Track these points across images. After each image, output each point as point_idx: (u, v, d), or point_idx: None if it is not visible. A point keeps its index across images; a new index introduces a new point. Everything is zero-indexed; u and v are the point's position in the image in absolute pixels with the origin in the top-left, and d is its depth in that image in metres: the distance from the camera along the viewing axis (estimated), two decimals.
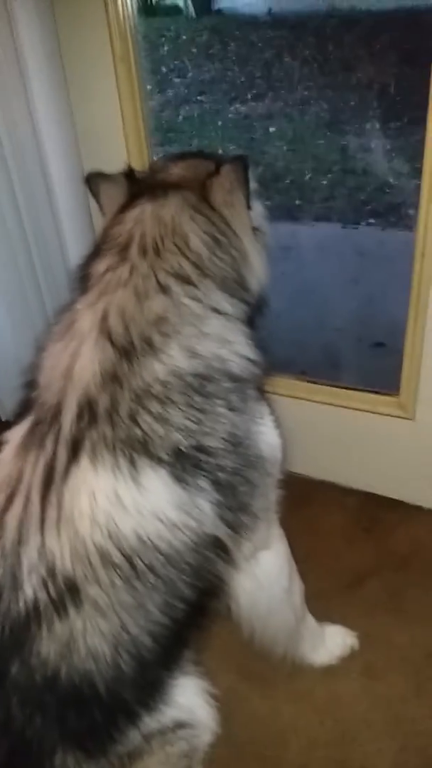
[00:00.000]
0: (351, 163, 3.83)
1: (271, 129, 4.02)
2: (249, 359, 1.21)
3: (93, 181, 1.32)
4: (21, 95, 1.95)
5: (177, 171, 1.32)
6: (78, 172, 2.04)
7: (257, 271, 1.32)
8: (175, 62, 3.97)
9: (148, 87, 2.24)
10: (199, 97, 4.16)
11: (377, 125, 3.57)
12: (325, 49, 3.64)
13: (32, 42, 1.89)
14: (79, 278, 1.26)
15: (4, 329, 2.12)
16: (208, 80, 4.15)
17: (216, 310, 1.20)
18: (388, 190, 3.70)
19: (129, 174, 1.32)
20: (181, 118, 4.09)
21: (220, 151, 2.94)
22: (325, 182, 3.89)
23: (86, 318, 1.16)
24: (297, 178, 3.92)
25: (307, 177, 3.94)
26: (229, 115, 4.16)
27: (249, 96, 4.03)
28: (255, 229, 1.32)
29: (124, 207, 1.27)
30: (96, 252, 1.25)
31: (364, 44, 3.51)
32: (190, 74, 4.09)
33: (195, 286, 1.19)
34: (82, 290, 1.22)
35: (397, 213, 3.61)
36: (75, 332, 1.16)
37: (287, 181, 3.91)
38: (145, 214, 1.22)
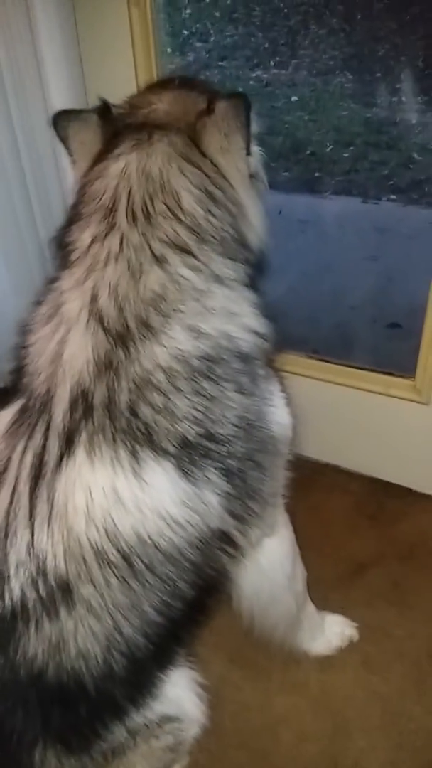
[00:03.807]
0: (374, 137, 3.70)
1: (293, 98, 3.88)
2: (257, 333, 1.11)
3: (60, 122, 1.16)
4: (30, 54, 1.84)
5: (162, 107, 1.15)
6: None
7: (256, 225, 1.18)
8: (197, 26, 3.83)
9: (169, 50, 2.15)
10: (220, 63, 4.02)
11: (403, 98, 3.44)
12: (353, 18, 3.51)
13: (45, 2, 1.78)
14: (61, 249, 1.12)
15: (4, 292, 2.04)
16: (230, 45, 4.01)
17: (218, 279, 1.08)
18: (411, 166, 3.60)
19: (103, 111, 1.16)
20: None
21: None
22: (346, 155, 3.76)
23: (74, 299, 1.04)
24: (317, 149, 3.79)
25: (329, 149, 3.81)
26: (251, 82, 4.01)
27: (272, 63, 3.90)
28: (252, 177, 1.18)
29: (102, 155, 1.12)
30: (76, 216, 1.11)
31: (393, 15, 3.38)
32: (212, 38, 3.95)
33: (193, 254, 1.06)
34: (65, 264, 1.09)
35: (420, 189, 3.51)
36: (63, 316, 1.04)
37: (307, 152, 3.78)
38: (129, 168, 1.08)
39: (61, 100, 1.90)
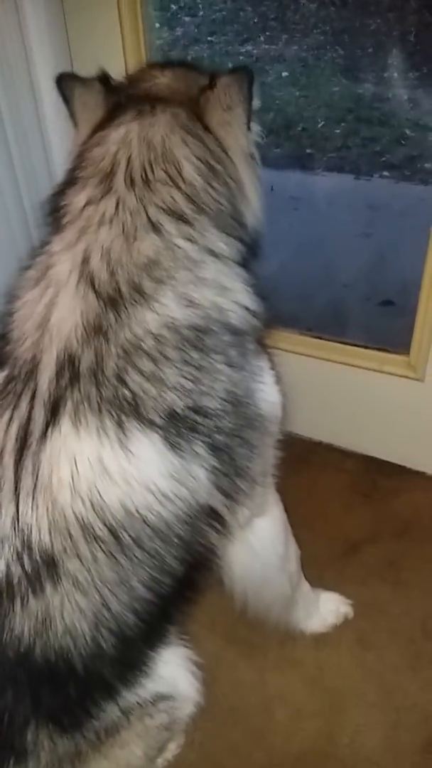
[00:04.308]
0: (366, 113, 3.67)
1: (284, 73, 3.84)
2: (248, 309, 1.09)
3: (65, 83, 1.15)
4: (16, 30, 1.79)
5: (164, 81, 1.15)
6: None
7: (253, 204, 1.18)
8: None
9: (157, 25, 2.12)
10: (209, 38, 3.95)
11: (395, 74, 3.39)
12: None
13: None
14: (53, 212, 1.10)
15: None
16: (219, 20, 3.94)
17: (212, 252, 1.07)
18: (403, 142, 3.58)
19: (105, 80, 1.16)
20: (189, 58, 3.88)
21: None
22: (338, 131, 3.73)
23: (64, 261, 1.02)
24: (309, 125, 3.76)
25: (320, 125, 3.77)
26: (240, 57, 3.96)
27: (262, 38, 3.85)
28: (251, 156, 1.17)
29: (103, 123, 1.11)
30: (72, 180, 1.09)
31: None
32: (201, 13, 3.88)
33: (190, 224, 1.05)
34: (56, 228, 1.07)
35: (413, 166, 3.49)
36: (51, 278, 1.02)
37: (299, 129, 3.74)
38: (130, 135, 1.07)
39: (47, 77, 1.86)
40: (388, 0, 3.35)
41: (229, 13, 3.84)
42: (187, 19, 3.81)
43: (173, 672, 1.19)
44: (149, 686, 1.14)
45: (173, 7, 3.64)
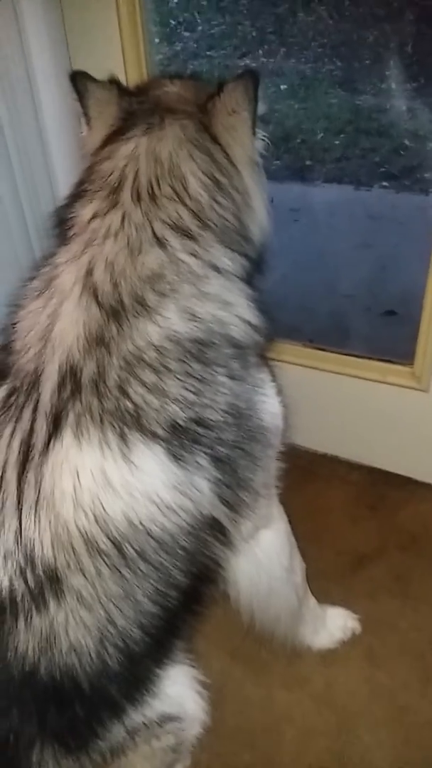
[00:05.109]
0: (365, 124, 3.68)
1: (282, 86, 3.85)
2: (250, 324, 1.09)
3: (80, 79, 1.16)
4: (17, 47, 1.80)
5: (174, 90, 1.17)
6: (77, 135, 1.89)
7: (259, 216, 1.18)
8: (185, 15, 3.79)
9: (156, 40, 2.11)
10: (208, 52, 3.97)
11: (393, 85, 3.41)
12: (341, 5, 3.48)
13: None
14: (60, 225, 1.11)
15: None
16: (218, 35, 3.97)
17: (216, 268, 1.07)
18: (403, 152, 3.58)
19: (117, 82, 1.18)
20: (189, 72, 3.90)
21: None
22: (337, 142, 3.74)
23: (69, 273, 1.03)
24: (308, 137, 3.77)
25: (319, 137, 3.78)
26: (239, 71, 3.97)
27: (260, 52, 3.86)
28: (257, 165, 1.17)
29: (115, 135, 1.12)
30: (79, 193, 1.11)
31: (381, 1, 3.34)
32: (199, 28, 3.90)
33: (194, 239, 1.06)
34: (62, 240, 1.09)
35: (412, 176, 3.49)
36: (55, 289, 1.03)
37: (298, 141, 3.75)
38: (139, 150, 1.08)
39: (48, 93, 1.87)
40: (385, 12, 3.37)
41: (228, 28, 3.86)
42: (186, 34, 3.84)
43: (180, 691, 1.17)
44: (156, 706, 1.12)
45: (172, 22, 3.66)
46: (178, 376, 0.98)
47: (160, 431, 0.97)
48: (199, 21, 3.87)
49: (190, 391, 0.99)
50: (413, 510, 1.98)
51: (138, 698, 1.10)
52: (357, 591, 1.74)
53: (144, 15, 1.82)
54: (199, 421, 1.00)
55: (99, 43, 1.85)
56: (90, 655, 0.99)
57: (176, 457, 0.98)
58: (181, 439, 0.98)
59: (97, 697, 1.03)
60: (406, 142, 3.54)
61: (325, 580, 1.66)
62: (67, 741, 1.05)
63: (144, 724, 1.11)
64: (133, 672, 1.06)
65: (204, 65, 3.92)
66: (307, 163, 3.72)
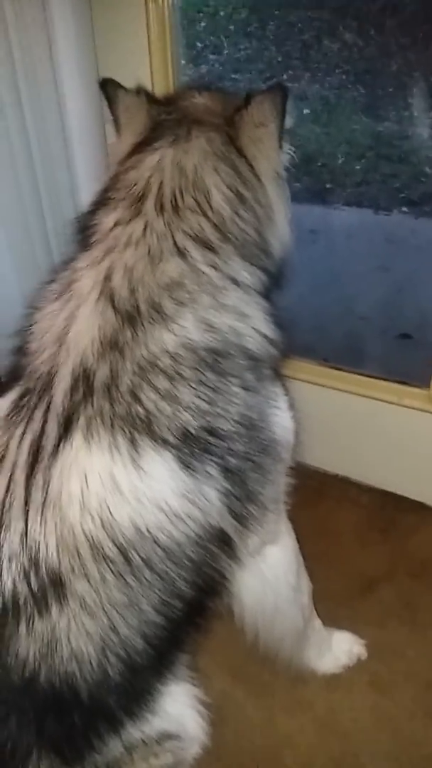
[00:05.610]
0: (386, 150, 3.69)
1: (306, 111, 3.87)
2: (266, 337, 1.09)
3: (110, 86, 1.18)
4: (48, 67, 1.86)
5: (202, 101, 1.18)
6: (101, 147, 1.90)
7: (281, 230, 1.18)
8: (212, 38, 3.84)
9: (182, 62, 2.16)
10: (233, 75, 4.02)
11: (415, 113, 3.42)
12: (367, 34, 3.51)
13: (63, 11, 1.81)
14: (82, 231, 1.12)
15: (7, 274, 2.01)
16: (243, 58, 4.01)
17: (234, 281, 1.08)
18: (423, 179, 3.58)
19: (146, 92, 1.19)
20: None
21: None
22: (358, 167, 3.75)
23: (87, 277, 1.03)
24: (329, 161, 3.78)
25: (340, 161, 3.80)
26: (267, 85, 4.00)
27: (285, 76, 3.89)
28: (280, 177, 1.17)
29: (142, 145, 1.13)
30: (104, 201, 1.12)
31: (406, 31, 3.37)
32: (225, 51, 3.96)
33: (215, 252, 1.07)
34: (84, 245, 1.09)
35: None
36: (73, 293, 1.03)
37: (319, 164, 3.76)
38: (164, 161, 1.09)
39: (74, 98, 1.90)
40: (410, 41, 3.39)
41: (254, 52, 3.91)
42: (212, 56, 3.89)
43: (180, 709, 1.14)
44: (155, 723, 1.10)
45: (199, 45, 3.71)
46: (192, 384, 0.98)
47: (171, 438, 0.96)
48: (225, 44, 3.93)
49: (203, 399, 0.99)
50: (425, 536, 1.94)
51: (137, 713, 1.08)
52: (364, 616, 1.71)
53: (174, 36, 1.86)
54: (211, 431, 0.99)
55: (128, 65, 1.89)
56: (91, 663, 0.97)
57: (186, 466, 0.97)
58: (191, 447, 0.98)
59: (95, 708, 1.01)
60: (427, 169, 3.55)
61: (332, 603, 1.63)
62: (64, 752, 1.03)
63: (143, 740, 1.09)
64: (134, 684, 1.04)
65: (229, 88, 3.97)
66: (328, 186, 3.73)
